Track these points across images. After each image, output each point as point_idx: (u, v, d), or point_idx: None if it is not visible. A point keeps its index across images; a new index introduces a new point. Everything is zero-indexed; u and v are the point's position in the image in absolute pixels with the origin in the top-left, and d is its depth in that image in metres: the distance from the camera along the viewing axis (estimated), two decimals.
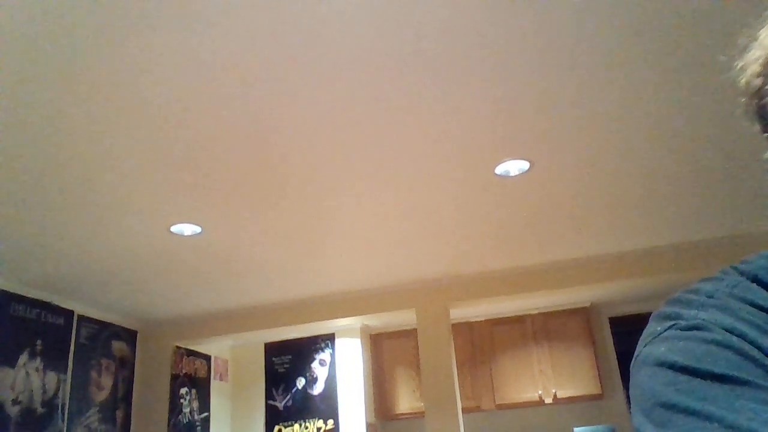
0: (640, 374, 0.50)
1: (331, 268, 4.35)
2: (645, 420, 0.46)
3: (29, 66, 2.00)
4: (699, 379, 0.45)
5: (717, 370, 0.45)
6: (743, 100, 0.56)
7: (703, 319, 0.49)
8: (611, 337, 5.87)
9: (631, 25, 2.03)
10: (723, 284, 0.52)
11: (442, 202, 3.38)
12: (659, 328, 0.52)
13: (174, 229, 3.41)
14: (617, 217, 3.78)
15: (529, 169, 3.03)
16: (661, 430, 0.44)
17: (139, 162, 2.67)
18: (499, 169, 3.01)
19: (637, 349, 0.53)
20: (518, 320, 5.94)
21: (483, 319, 6.03)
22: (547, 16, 1.96)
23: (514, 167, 3.00)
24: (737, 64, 0.56)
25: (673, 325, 0.51)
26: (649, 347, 0.51)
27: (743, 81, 0.56)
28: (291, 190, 3.08)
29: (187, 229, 3.43)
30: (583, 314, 5.81)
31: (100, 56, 1.99)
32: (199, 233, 3.50)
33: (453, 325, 5.38)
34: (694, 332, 0.49)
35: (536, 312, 5.91)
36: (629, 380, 0.52)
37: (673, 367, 0.47)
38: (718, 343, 0.47)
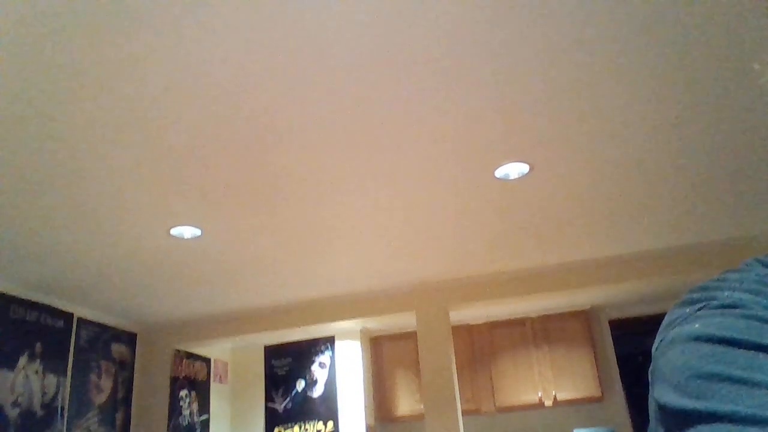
0: (669, 353, 0.46)
1: (330, 270, 4.35)
2: (679, 395, 0.43)
3: (26, 68, 2.01)
4: (741, 349, 0.42)
5: (761, 340, 0.42)
6: None
7: (740, 298, 0.47)
8: (611, 339, 5.87)
9: (632, 27, 2.03)
10: (750, 275, 0.50)
11: (442, 205, 3.38)
12: (688, 310, 0.49)
13: (174, 231, 3.41)
14: (617, 219, 3.79)
15: (528, 172, 3.03)
16: (700, 401, 0.41)
17: (139, 164, 2.67)
18: (499, 172, 3.02)
19: (660, 335, 0.50)
20: (518, 323, 5.94)
21: (483, 321, 6.03)
22: (547, 18, 1.96)
23: (514, 170, 3.01)
24: None
25: (705, 305, 0.48)
26: (678, 328, 0.48)
27: None
28: (291, 193, 3.09)
29: (187, 231, 3.43)
30: (583, 317, 5.81)
31: (98, 57, 1.99)
32: (199, 236, 3.50)
33: (453, 327, 5.38)
34: (731, 309, 0.46)
35: (536, 315, 5.91)
36: (648, 370, 0.50)
37: (710, 339, 0.44)
38: (759, 318, 0.44)
